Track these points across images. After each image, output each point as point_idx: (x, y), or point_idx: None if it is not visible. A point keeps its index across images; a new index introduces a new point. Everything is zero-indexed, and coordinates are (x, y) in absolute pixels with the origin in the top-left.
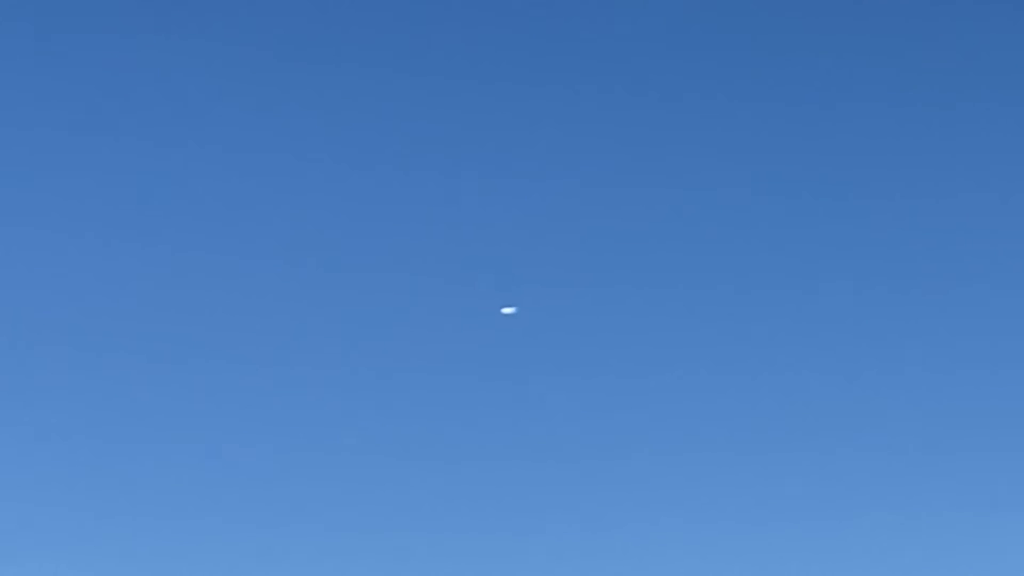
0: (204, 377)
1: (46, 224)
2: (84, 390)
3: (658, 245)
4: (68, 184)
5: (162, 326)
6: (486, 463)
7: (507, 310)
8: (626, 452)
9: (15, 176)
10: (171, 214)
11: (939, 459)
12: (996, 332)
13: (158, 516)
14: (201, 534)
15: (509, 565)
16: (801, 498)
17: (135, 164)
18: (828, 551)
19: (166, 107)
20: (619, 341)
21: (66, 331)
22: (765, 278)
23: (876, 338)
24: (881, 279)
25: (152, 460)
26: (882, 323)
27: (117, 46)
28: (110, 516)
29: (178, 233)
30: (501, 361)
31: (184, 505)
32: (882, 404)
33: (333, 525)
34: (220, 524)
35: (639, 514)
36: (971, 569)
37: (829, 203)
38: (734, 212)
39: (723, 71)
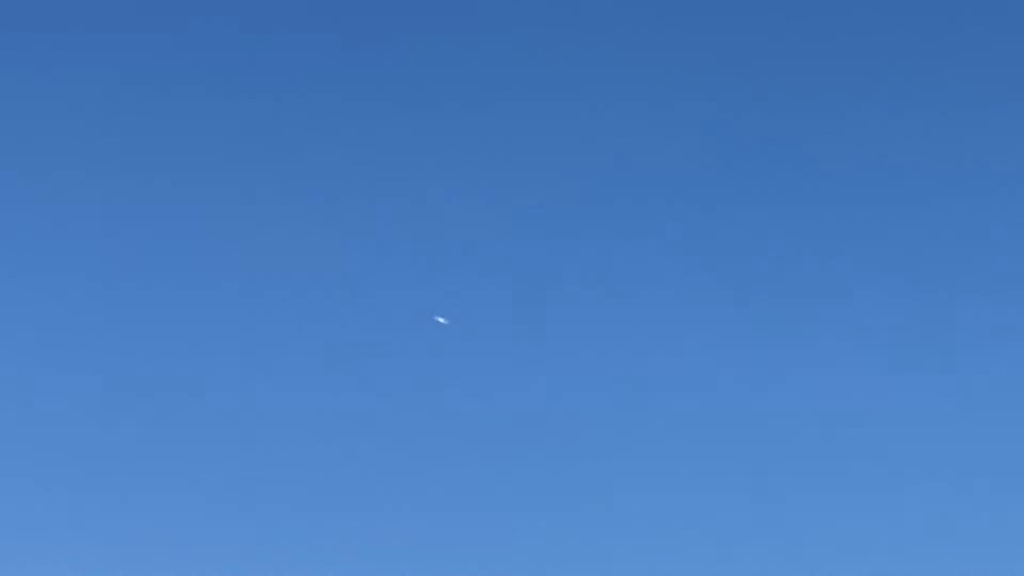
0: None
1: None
2: (84, 389)
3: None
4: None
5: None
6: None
7: (440, 320)
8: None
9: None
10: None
11: (943, 463)
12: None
13: (156, 516)
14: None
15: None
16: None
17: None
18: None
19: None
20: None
21: (65, 330)
22: (755, 283)
23: (866, 341)
24: (887, 284)
25: (150, 459)
26: (880, 325)
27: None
28: (111, 516)
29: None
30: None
31: (181, 506)
32: (871, 409)
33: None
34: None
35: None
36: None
37: (810, 209)
38: (719, 219)
39: (717, 75)
